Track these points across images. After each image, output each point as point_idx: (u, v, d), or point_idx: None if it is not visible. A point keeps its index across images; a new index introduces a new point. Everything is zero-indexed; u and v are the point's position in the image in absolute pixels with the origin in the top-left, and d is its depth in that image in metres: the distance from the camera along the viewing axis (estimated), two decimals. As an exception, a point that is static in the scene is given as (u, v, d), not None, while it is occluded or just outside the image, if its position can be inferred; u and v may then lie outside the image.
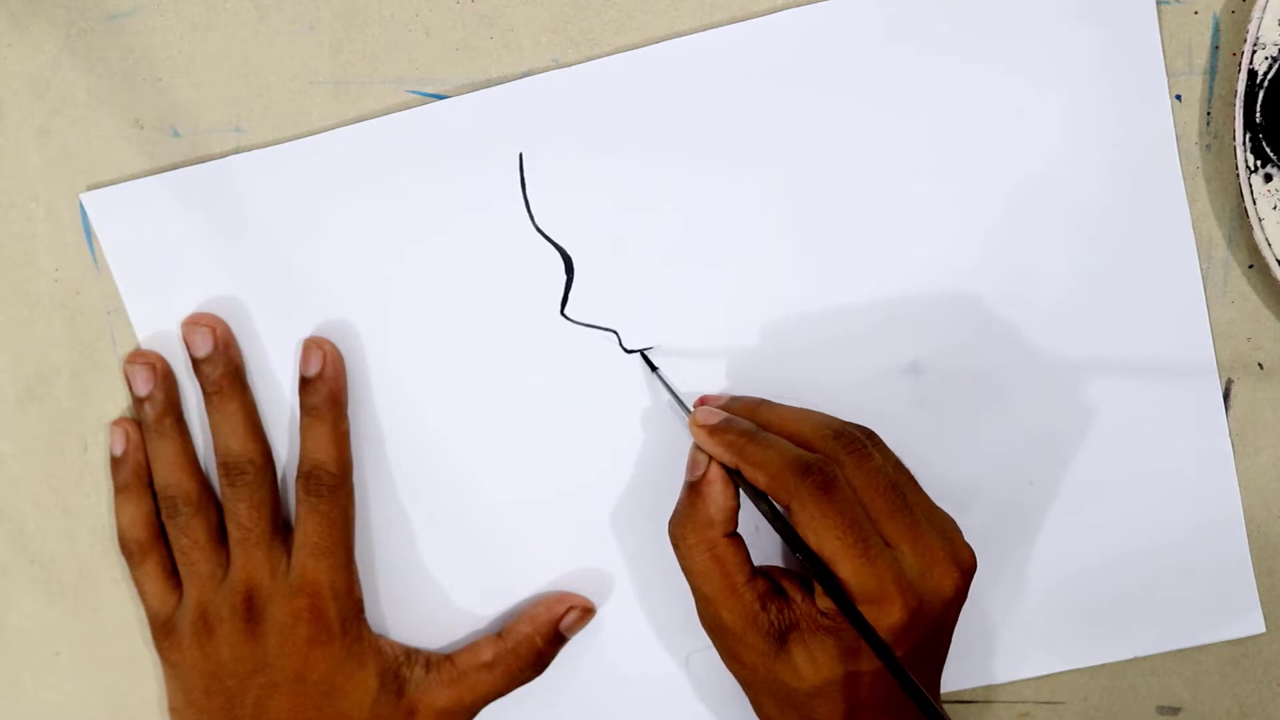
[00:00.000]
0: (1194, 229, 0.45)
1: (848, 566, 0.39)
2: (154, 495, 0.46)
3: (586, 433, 0.46)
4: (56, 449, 0.47)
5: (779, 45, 0.43)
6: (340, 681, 0.45)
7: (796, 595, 0.41)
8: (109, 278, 0.46)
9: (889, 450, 0.42)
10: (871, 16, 0.43)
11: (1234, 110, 0.43)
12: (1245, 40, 0.42)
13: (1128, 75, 0.44)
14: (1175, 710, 0.48)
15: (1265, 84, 0.42)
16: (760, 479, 0.41)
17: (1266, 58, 0.42)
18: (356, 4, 0.44)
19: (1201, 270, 0.45)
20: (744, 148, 0.44)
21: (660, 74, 0.44)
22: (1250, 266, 0.45)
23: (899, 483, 0.41)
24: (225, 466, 0.45)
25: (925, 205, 0.44)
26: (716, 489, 0.42)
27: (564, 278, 0.45)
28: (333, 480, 0.45)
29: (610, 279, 0.45)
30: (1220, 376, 0.46)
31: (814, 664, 0.40)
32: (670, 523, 0.43)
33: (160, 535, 0.46)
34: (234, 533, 0.45)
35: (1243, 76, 0.42)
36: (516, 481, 0.47)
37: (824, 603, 0.40)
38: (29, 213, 0.46)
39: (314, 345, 0.45)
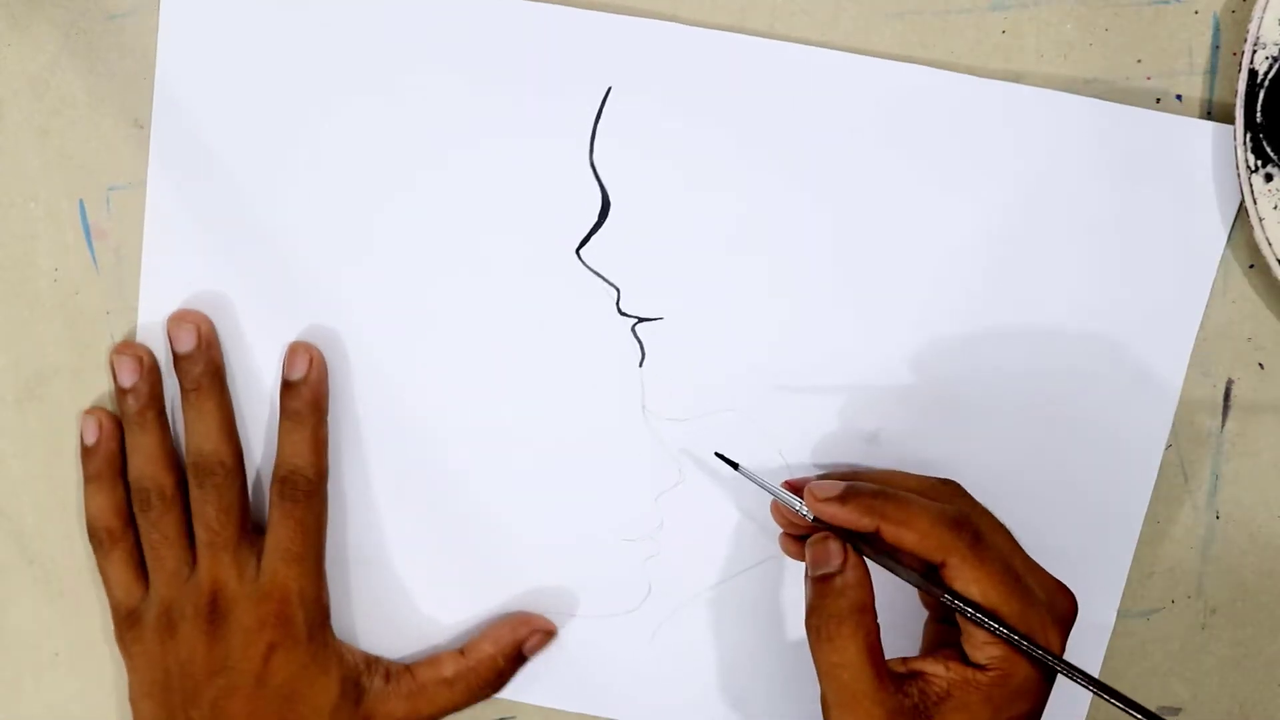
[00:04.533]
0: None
1: (1012, 609, 0.39)
2: (126, 486, 0.46)
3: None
4: (56, 449, 0.47)
5: (887, 94, 0.43)
6: (302, 687, 0.45)
7: (936, 669, 0.40)
8: (109, 278, 0.46)
9: None
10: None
11: (1234, 110, 0.42)
12: (1245, 40, 0.42)
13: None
14: (1175, 710, 0.48)
15: (1265, 84, 0.42)
16: (908, 537, 0.40)
17: (1267, 58, 0.42)
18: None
19: (1201, 270, 0.45)
20: (807, 168, 0.44)
21: (775, 73, 0.43)
22: (1250, 266, 0.45)
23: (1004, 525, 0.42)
24: (195, 467, 0.45)
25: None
26: (860, 573, 0.40)
27: (595, 219, 0.45)
28: (309, 486, 0.45)
29: (637, 238, 0.45)
30: (1220, 376, 0.46)
31: None
32: (816, 618, 0.40)
33: (130, 525, 0.46)
34: (201, 534, 0.45)
35: (1243, 76, 0.42)
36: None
37: (983, 653, 0.40)
38: (29, 213, 0.46)
39: (301, 349, 0.45)
